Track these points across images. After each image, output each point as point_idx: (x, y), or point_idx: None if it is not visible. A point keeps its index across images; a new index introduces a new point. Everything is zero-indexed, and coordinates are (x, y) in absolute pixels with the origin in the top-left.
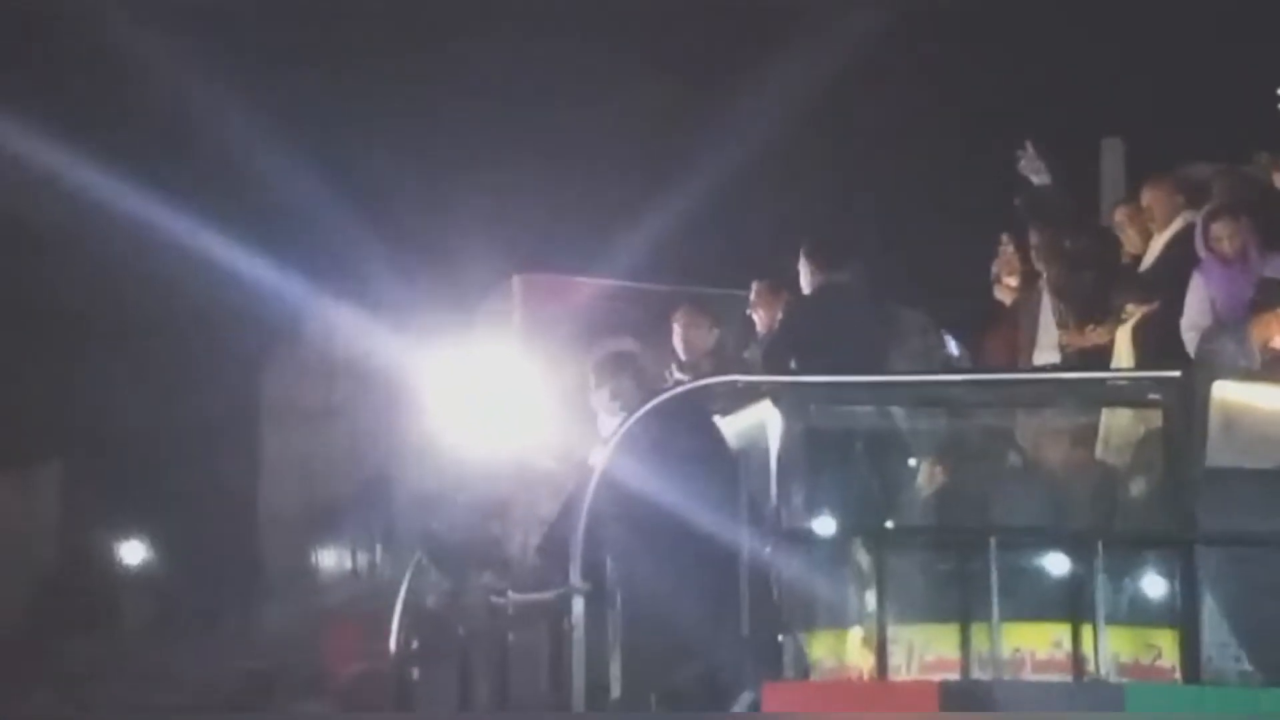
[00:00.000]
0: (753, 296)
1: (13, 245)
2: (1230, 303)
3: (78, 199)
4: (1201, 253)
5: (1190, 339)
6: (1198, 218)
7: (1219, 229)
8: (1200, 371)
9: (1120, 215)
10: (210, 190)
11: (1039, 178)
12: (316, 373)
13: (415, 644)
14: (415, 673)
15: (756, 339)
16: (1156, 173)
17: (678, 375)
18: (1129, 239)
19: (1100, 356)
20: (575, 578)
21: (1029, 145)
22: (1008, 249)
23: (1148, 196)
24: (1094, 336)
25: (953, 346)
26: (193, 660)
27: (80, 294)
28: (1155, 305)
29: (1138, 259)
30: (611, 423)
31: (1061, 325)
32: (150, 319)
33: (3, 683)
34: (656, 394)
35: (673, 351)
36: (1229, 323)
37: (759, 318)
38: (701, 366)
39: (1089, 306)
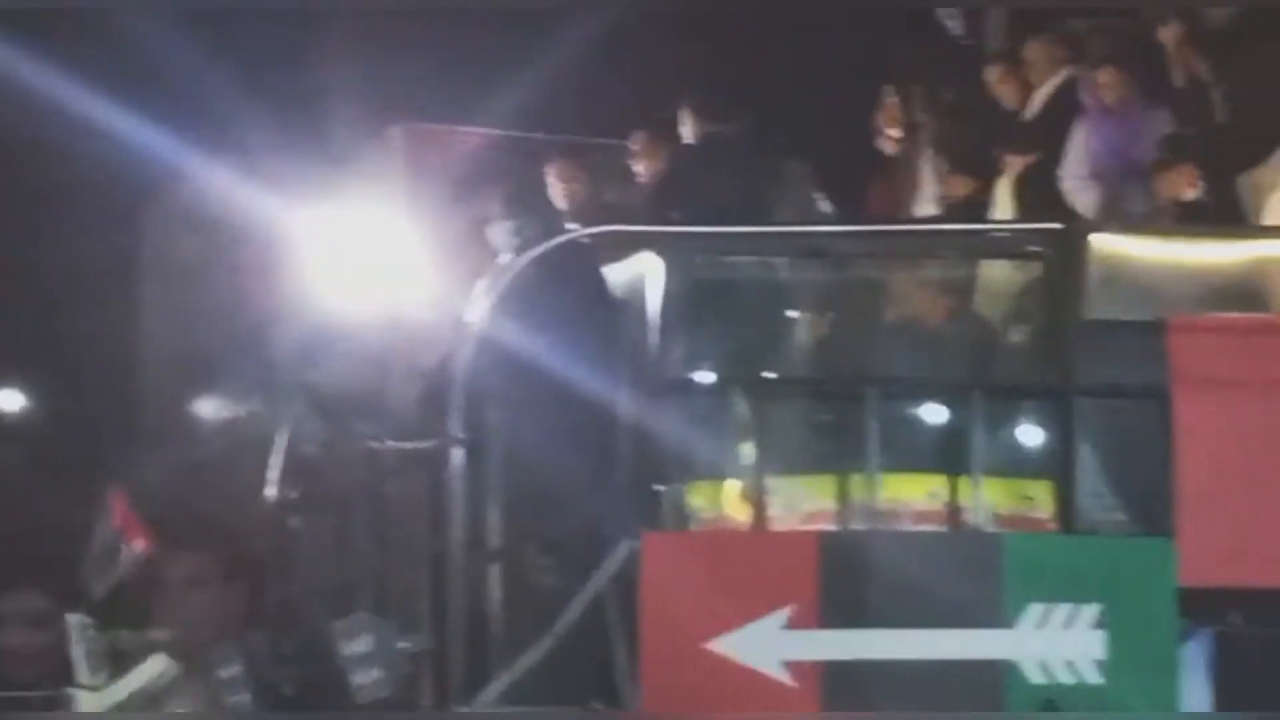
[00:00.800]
0: (635, 147)
1: None
2: (1111, 154)
3: None
4: (1086, 103)
5: (1071, 188)
6: (1079, 71)
7: (1106, 79)
8: (1080, 223)
9: (995, 73)
10: (83, 46)
11: (953, 24)
12: (194, 227)
13: (294, 493)
14: (294, 521)
15: (638, 189)
16: (1037, 26)
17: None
18: (1005, 94)
19: (979, 208)
20: (454, 428)
21: None
22: (890, 101)
23: (1028, 51)
24: (971, 188)
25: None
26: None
27: None
28: (1034, 158)
29: (1016, 113)
30: (504, 258)
31: (941, 177)
32: (24, 174)
33: None
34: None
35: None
36: (1131, 174)
37: (641, 168)
38: (582, 217)
39: (968, 159)
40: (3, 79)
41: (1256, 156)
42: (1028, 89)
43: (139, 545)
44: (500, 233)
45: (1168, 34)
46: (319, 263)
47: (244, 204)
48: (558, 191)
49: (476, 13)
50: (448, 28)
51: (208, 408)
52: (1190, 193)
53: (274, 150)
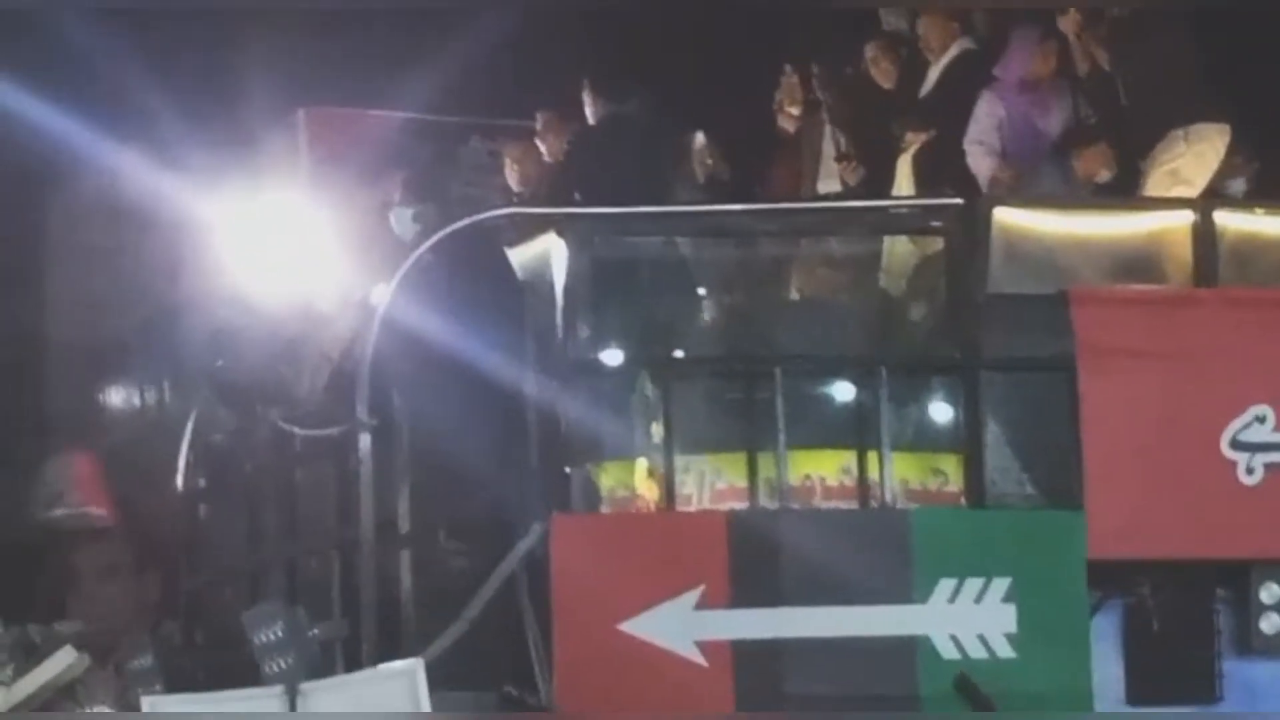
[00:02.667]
0: (539, 126)
1: None
2: (1021, 126)
3: None
4: (999, 73)
5: (976, 153)
6: (970, 44)
7: (1040, 51)
8: (981, 199)
9: (872, 50)
10: None
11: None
12: (99, 212)
13: (202, 481)
14: (203, 509)
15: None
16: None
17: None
18: (882, 72)
19: (881, 184)
20: (361, 413)
21: None
22: (791, 79)
23: (923, 24)
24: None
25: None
26: None
27: None
28: (934, 133)
29: (906, 89)
30: (410, 245)
31: (842, 156)
32: None
33: None
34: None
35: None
36: (1041, 149)
37: (545, 147)
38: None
39: (867, 135)
40: None
41: (1155, 139)
42: (902, 67)
43: (96, 512)
44: (400, 219)
45: (1067, 23)
46: (225, 249)
47: (150, 190)
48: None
49: None
50: (351, 9)
51: (115, 396)
52: (1105, 174)
53: (180, 135)
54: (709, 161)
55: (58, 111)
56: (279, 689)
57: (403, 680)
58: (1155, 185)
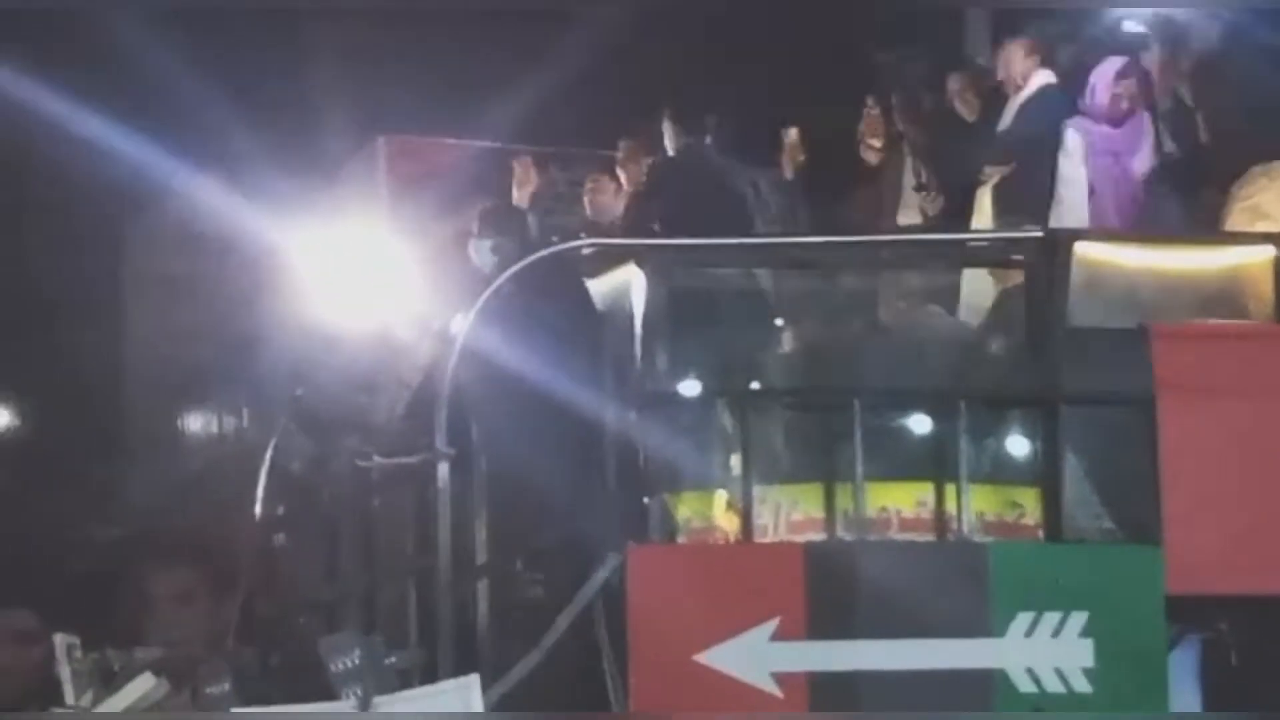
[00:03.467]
0: (620, 155)
1: None
2: (1104, 159)
3: None
4: (1082, 106)
5: (1065, 194)
6: (1053, 78)
7: (1125, 85)
8: (1062, 232)
9: (957, 82)
10: (67, 58)
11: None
12: (179, 241)
13: (280, 510)
14: (280, 538)
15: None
16: (1009, 34)
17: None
18: (966, 105)
19: (960, 216)
20: (440, 442)
21: None
22: (872, 111)
23: (1003, 57)
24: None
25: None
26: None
27: None
28: (1013, 166)
29: (989, 122)
30: (488, 275)
31: (922, 187)
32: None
33: None
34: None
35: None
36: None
37: (625, 175)
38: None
39: (947, 167)
40: None
41: (1236, 174)
42: (987, 100)
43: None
44: (480, 250)
45: (1150, 57)
46: (304, 276)
47: (229, 218)
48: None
49: (461, 23)
50: (432, 38)
51: (194, 423)
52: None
53: (259, 163)
54: (801, 158)
55: (137, 140)
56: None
57: (459, 695)
58: (1236, 220)
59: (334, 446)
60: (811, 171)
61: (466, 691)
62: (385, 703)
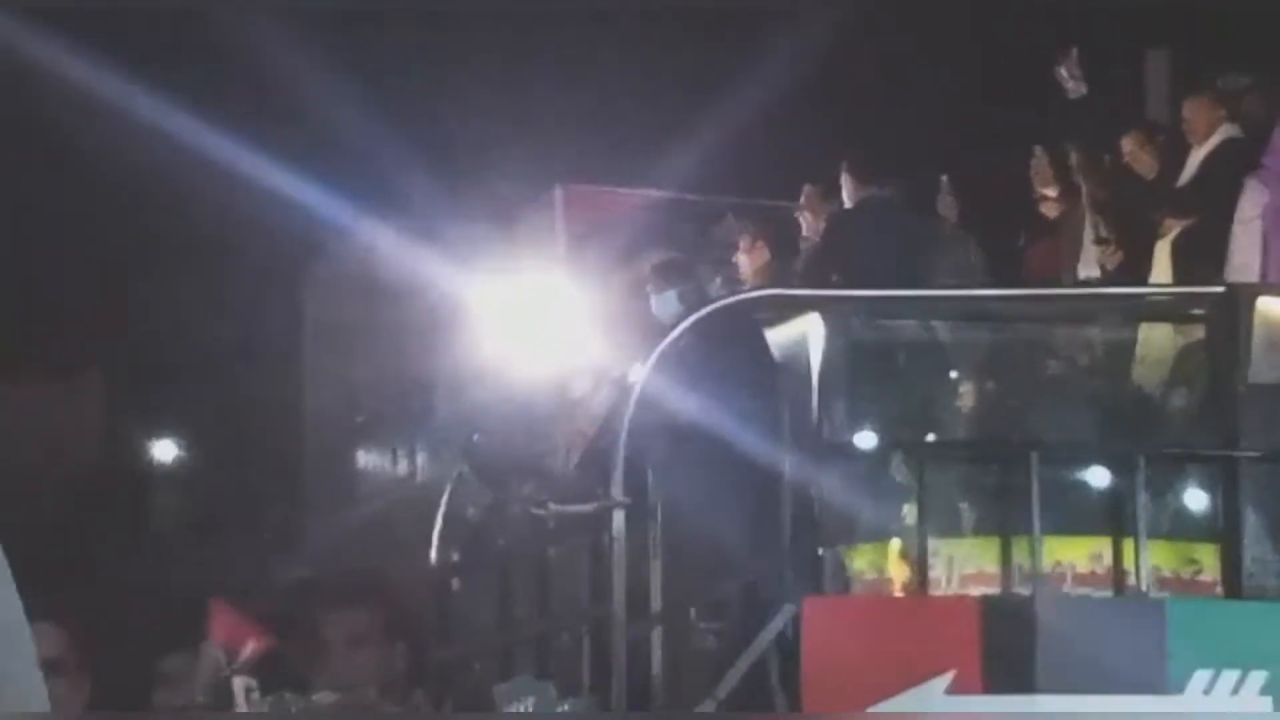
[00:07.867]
0: (802, 199)
1: (57, 162)
2: None
3: (121, 118)
4: (1267, 161)
5: (1240, 240)
6: (1236, 131)
7: None
8: (1243, 286)
9: (1129, 144)
10: (249, 108)
11: (1075, 86)
12: (357, 287)
13: (455, 555)
14: (455, 584)
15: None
16: (1194, 85)
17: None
18: (1142, 165)
19: (1139, 270)
20: (616, 490)
21: (1074, 52)
22: (1041, 161)
23: (1187, 109)
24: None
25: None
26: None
27: (126, 211)
28: (1194, 220)
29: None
30: (669, 326)
31: (1101, 240)
32: (193, 236)
33: (48, 588)
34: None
35: (729, 266)
36: None
37: (806, 221)
38: (759, 284)
39: (1128, 222)
40: (172, 142)
41: None
42: (1162, 158)
43: (252, 647)
44: (666, 301)
45: None
46: (482, 324)
47: (407, 265)
48: (741, 258)
49: (639, 75)
50: (608, 88)
51: (371, 468)
52: None
53: (437, 211)
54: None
55: (317, 186)
56: None
57: None
58: None
59: (509, 493)
60: (985, 222)
61: None
62: None
